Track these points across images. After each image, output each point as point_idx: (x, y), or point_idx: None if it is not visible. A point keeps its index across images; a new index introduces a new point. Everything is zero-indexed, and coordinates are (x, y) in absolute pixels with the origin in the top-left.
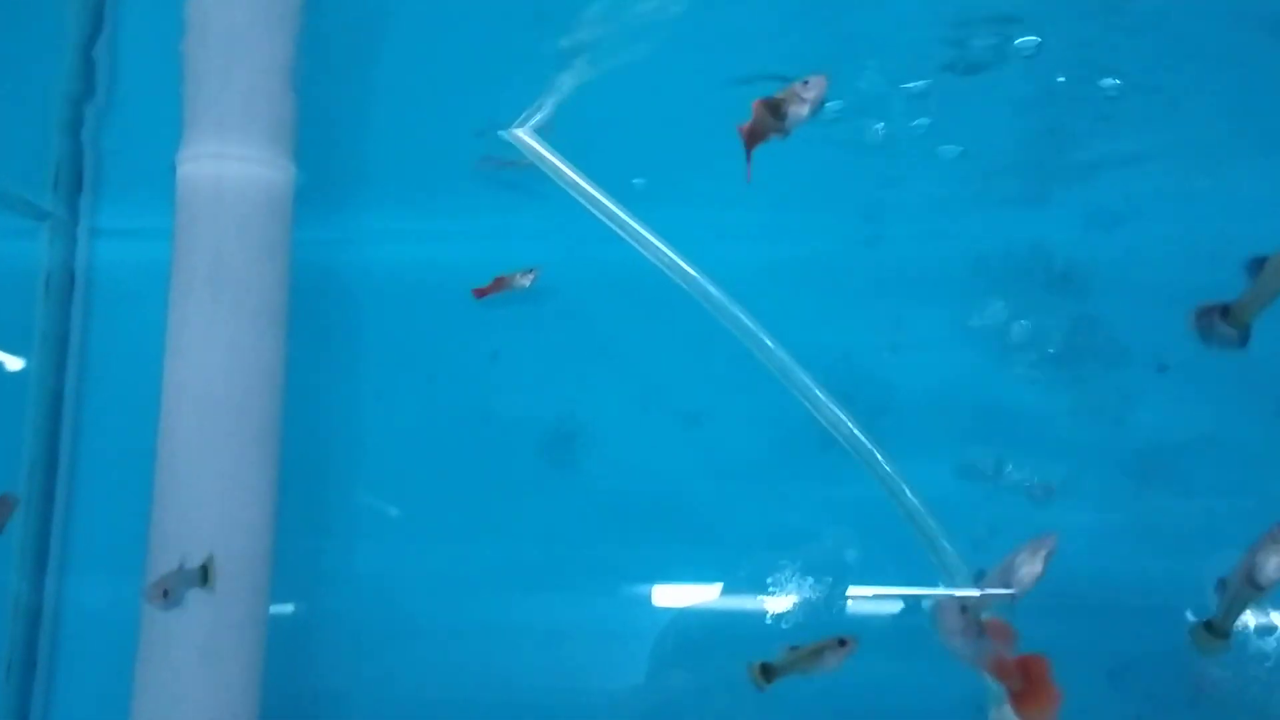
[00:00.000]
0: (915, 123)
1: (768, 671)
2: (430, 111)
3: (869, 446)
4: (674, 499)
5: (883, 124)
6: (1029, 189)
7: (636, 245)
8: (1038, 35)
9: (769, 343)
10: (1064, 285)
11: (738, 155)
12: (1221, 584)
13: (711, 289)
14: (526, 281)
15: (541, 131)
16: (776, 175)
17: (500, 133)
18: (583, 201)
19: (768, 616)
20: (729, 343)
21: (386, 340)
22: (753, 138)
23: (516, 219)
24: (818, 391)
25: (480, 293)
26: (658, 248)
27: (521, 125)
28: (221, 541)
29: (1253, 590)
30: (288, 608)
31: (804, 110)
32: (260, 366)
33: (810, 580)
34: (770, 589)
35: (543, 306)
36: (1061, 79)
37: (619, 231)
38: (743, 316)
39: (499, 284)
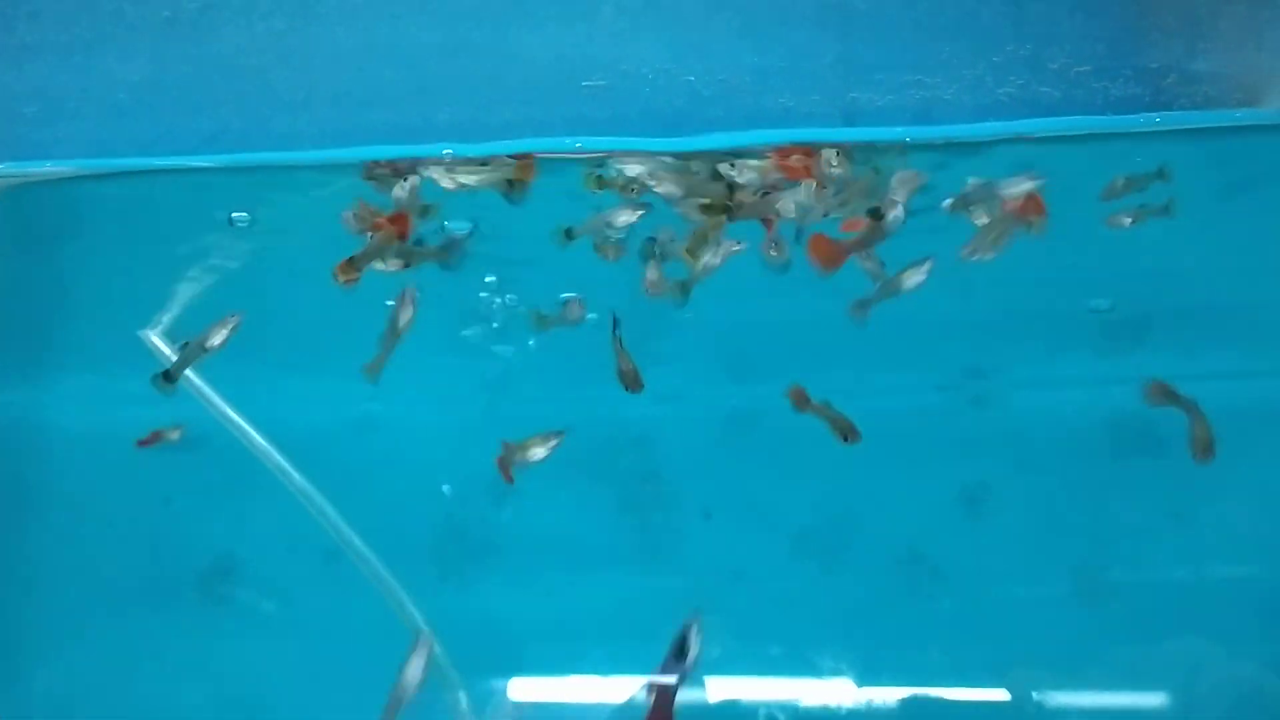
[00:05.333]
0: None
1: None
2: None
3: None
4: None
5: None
6: None
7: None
8: None
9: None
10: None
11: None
12: None
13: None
14: (175, 435)
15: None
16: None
17: (138, 333)
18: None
19: None
20: None
21: (71, 490)
22: None
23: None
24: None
25: (142, 444)
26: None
27: (154, 328)
28: None
29: None
30: None
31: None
32: None
33: None
34: None
35: (208, 456)
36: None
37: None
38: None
39: (155, 437)
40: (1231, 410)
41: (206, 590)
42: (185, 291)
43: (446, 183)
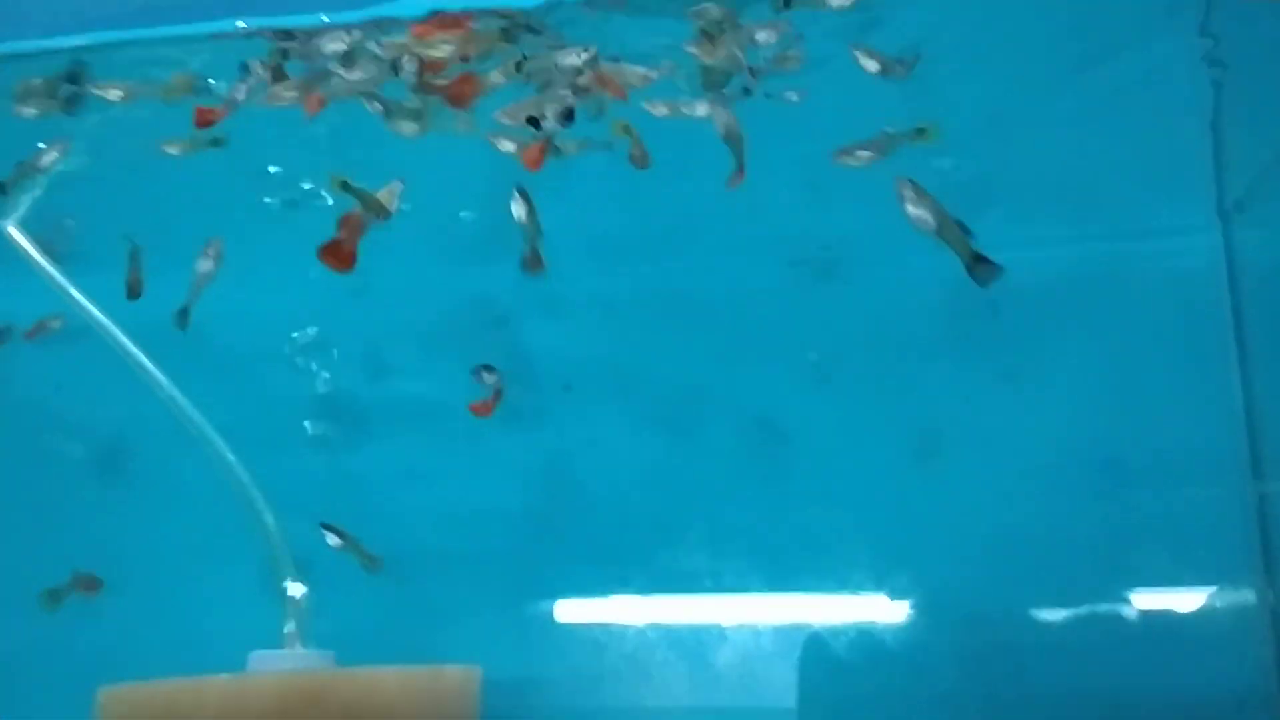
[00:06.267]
0: None
1: None
2: None
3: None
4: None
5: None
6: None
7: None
8: None
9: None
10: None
11: None
12: None
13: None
14: (56, 325)
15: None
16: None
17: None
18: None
19: None
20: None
21: None
22: None
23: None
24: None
25: (28, 335)
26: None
27: (9, 217)
28: None
29: None
30: None
31: None
32: None
33: None
34: None
35: (90, 344)
36: None
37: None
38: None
39: (39, 328)
40: (1060, 276)
41: (101, 471)
42: (40, 180)
43: None
